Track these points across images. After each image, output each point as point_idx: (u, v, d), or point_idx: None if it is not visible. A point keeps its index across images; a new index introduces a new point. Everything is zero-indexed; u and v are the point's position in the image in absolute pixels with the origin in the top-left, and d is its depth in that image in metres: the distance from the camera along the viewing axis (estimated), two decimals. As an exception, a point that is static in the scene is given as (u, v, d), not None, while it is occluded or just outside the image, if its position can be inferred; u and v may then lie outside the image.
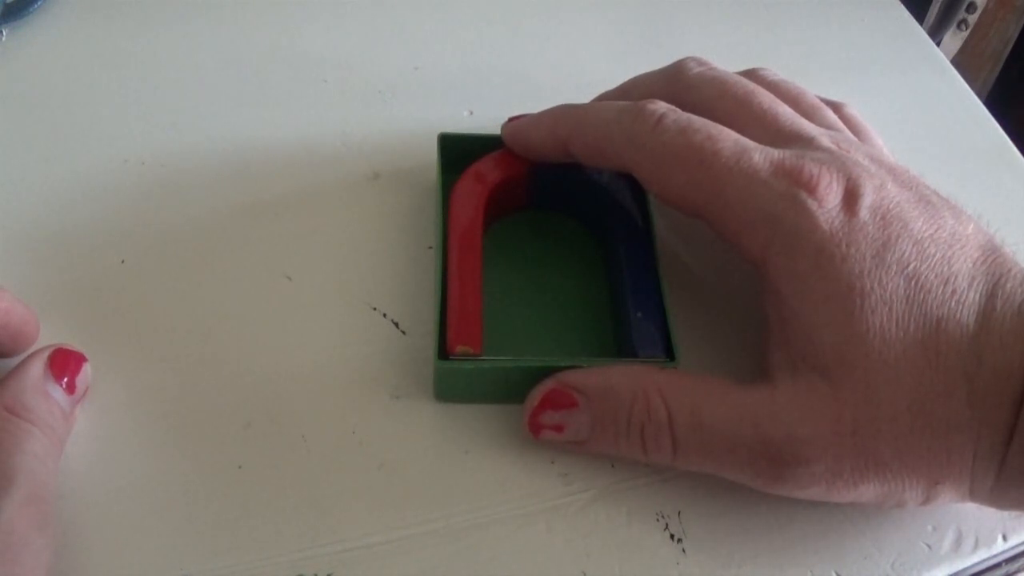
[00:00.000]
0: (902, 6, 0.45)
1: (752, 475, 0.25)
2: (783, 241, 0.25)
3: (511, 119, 0.31)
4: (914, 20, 0.45)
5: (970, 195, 0.27)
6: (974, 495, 0.24)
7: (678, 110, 0.27)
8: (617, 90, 0.33)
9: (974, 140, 0.39)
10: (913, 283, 0.24)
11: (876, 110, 0.32)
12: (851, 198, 0.25)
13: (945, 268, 0.24)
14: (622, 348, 0.29)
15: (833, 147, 0.27)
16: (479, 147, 0.31)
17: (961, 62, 0.63)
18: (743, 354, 0.30)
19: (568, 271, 0.32)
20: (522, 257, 0.32)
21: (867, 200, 0.25)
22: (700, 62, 0.31)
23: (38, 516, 0.22)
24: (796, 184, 0.25)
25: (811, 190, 0.25)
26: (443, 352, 0.27)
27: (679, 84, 0.30)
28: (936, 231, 0.25)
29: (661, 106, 0.27)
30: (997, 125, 0.40)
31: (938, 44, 0.53)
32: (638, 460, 0.27)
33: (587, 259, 0.32)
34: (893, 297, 0.24)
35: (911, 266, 0.24)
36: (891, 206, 0.25)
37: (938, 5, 0.58)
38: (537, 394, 0.26)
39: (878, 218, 0.25)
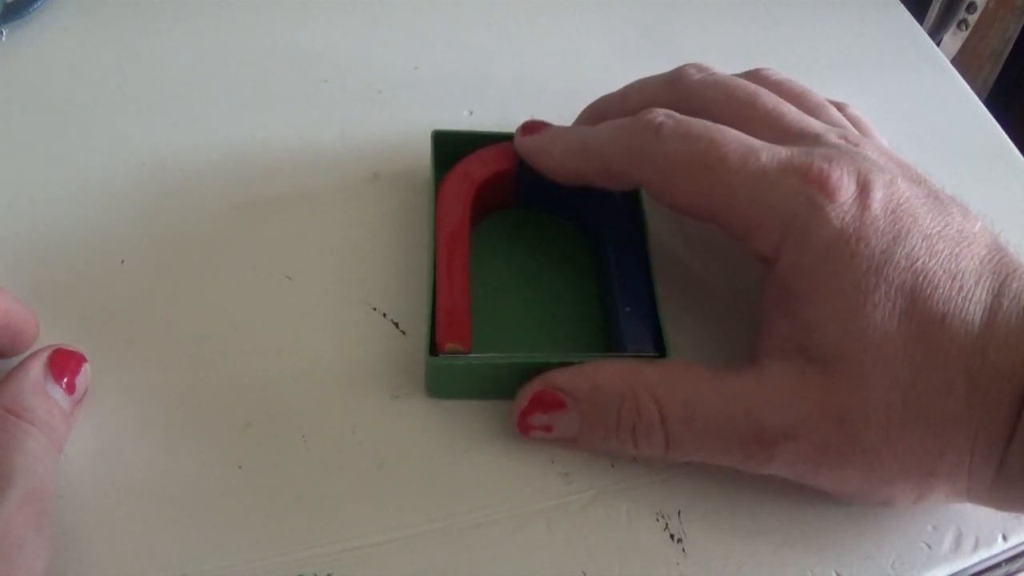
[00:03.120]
0: (902, 6, 0.45)
1: (743, 459, 0.25)
2: (795, 238, 0.25)
3: (525, 125, 0.31)
4: (914, 20, 0.45)
5: (970, 195, 0.27)
6: (971, 494, 0.24)
7: (675, 115, 0.27)
8: (617, 94, 0.32)
9: (974, 140, 0.39)
10: (921, 278, 0.24)
11: (876, 110, 0.32)
12: (863, 193, 0.25)
13: (953, 264, 0.24)
14: (612, 343, 0.29)
15: (841, 143, 0.27)
16: (473, 144, 0.31)
17: (961, 62, 0.63)
18: (733, 347, 0.30)
19: (558, 267, 0.32)
20: (511, 254, 0.32)
21: (878, 195, 0.25)
22: (700, 68, 0.31)
23: (35, 516, 0.22)
24: (806, 181, 0.25)
25: (822, 186, 0.25)
26: (434, 349, 0.27)
27: (681, 92, 0.30)
28: (945, 227, 0.25)
29: (659, 114, 0.27)
30: (997, 125, 0.40)
31: (938, 44, 0.53)
32: (630, 455, 0.27)
33: (576, 255, 0.32)
34: (898, 292, 0.24)
35: (920, 261, 0.24)
36: (901, 201, 0.25)
37: (938, 5, 0.58)
38: (525, 395, 0.27)
39: (889, 212, 0.25)
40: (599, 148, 0.28)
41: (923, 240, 0.24)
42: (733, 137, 0.26)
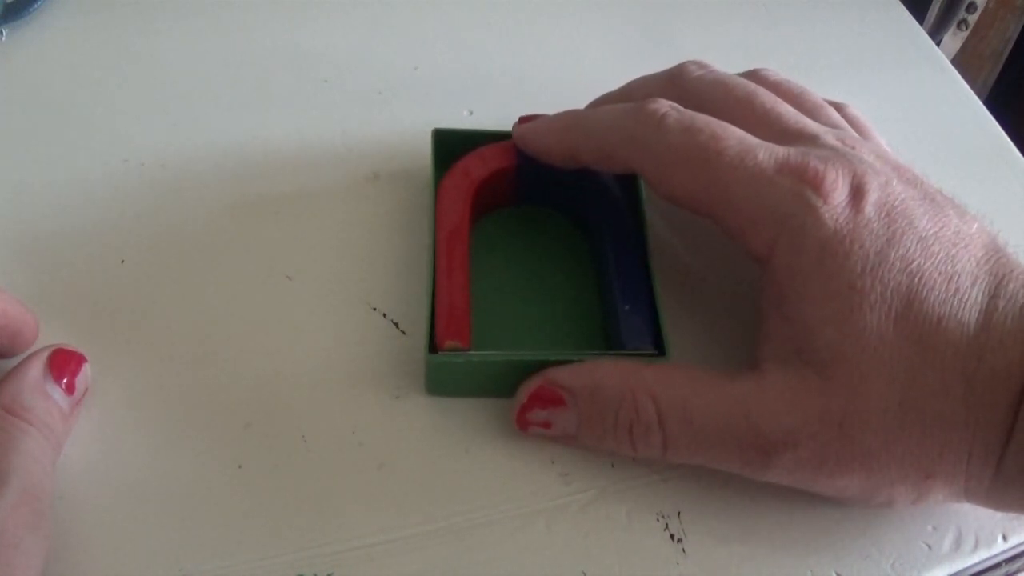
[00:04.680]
0: (902, 6, 0.45)
1: (741, 464, 0.25)
2: (788, 238, 0.25)
3: (522, 119, 0.31)
4: (914, 20, 0.45)
5: (970, 195, 0.27)
6: (970, 495, 0.24)
7: (680, 107, 0.27)
8: (618, 93, 0.33)
9: (974, 140, 0.39)
10: (916, 280, 0.24)
11: (876, 110, 0.32)
12: (857, 195, 0.25)
13: (949, 266, 0.24)
14: (611, 341, 0.29)
15: (838, 144, 0.27)
16: (473, 143, 0.31)
17: (961, 62, 0.63)
18: (733, 346, 0.30)
19: (557, 265, 0.32)
20: (511, 252, 0.32)
21: (872, 197, 0.25)
22: (701, 65, 0.31)
23: (31, 516, 0.22)
24: (801, 181, 0.25)
25: (816, 187, 0.25)
26: (433, 347, 0.27)
27: (680, 88, 0.30)
28: (941, 229, 0.25)
29: (663, 104, 0.27)
30: (997, 125, 0.40)
31: (938, 44, 0.53)
32: (627, 455, 0.27)
33: (576, 253, 0.32)
34: (894, 295, 0.24)
35: (915, 263, 0.24)
36: (896, 203, 0.25)
37: (938, 5, 0.58)
38: (525, 391, 0.27)
39: (883, 215, 0.25)
40: (599, 130, 0.28)
41: (918, 242, 0.24)
42: (733, 133, 0.26)
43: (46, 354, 0.26)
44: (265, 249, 0.31)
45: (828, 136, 0.27)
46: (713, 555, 0.26)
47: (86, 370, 0.27)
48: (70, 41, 0.37)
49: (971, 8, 0.60)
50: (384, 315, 0.30)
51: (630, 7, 0.43)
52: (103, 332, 0.29)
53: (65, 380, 0.26)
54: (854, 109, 0.31)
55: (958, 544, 0.27)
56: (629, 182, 0.32)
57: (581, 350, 0.29)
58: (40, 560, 0.22)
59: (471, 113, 0.37)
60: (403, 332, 0.30)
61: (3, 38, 0.37)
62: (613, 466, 0.27)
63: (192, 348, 0.29)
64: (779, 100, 0.29)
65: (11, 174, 0.32)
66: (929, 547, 0.27)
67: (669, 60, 0.32)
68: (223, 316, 0.29)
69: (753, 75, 0.31)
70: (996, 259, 0.25)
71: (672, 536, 0.26)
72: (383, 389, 0.28)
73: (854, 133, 0.29)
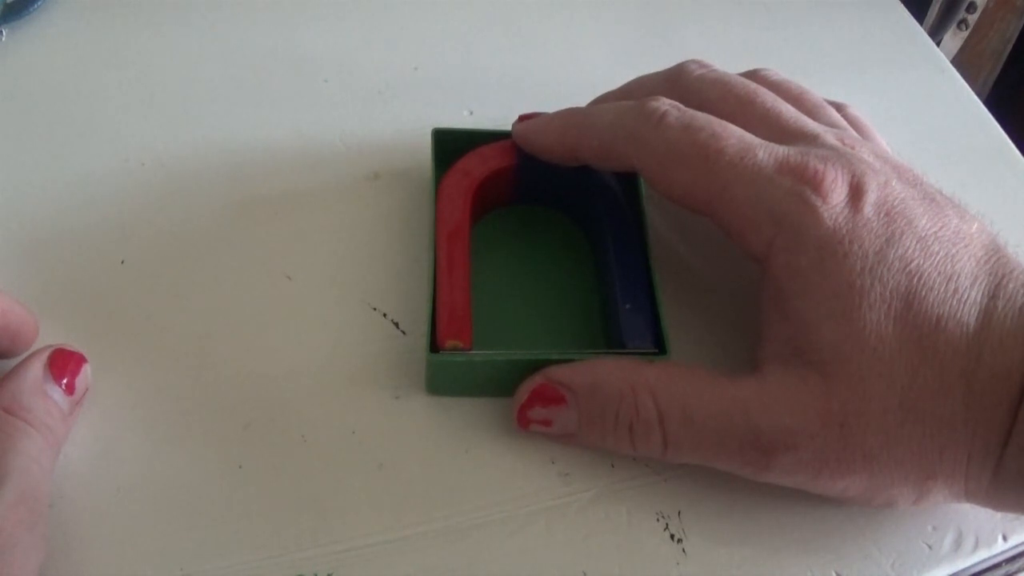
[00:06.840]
0: (902, 6, 0.45)
1: (741, 464, 0.25)
2: (787, 238, 0.25)
3: (521, 117, 0.31)
4: (914, 20, 0.45)
5: (970, 195, 0.27)
6: (970, 496, 0.24)
7: (681, 106, 0.27)
8: (618, 92, 0.33)
9: (974, 140, 0.39)
10: (915, 280, 0.24)
11: (876, 110, 0.32)
12: (856, 195, 0.25)
13: (948, 266, 0.24)
14: (611, 340, 0.29)
15: (837, 144, 0.27)
16: (473, 142, 0.31)
17: (961, 62, 0.63)
18: (733, 345, 0.30)
19: (558, 265, 0.32)
20: (511, 252, 0.32)
21: (871, 196, 0.25)
22: (701, 64, 0.31)
23: (29, 516, 0.22)
24: (801, 181, 0.25)
25: (815, 187, 0.25)
26: (434, 346, 0.27)
27: (681, 87, 0.30)
28: (940, 229, 0.25)
29: (663, 103, 0.27)
30: (997, 125, 0.40)
31: (938, 44, 0.53)
32: (627, 454, 0.27)
33: (576, 252, 0.32)
34: (893, 294, 0.24)
35: (914, 263, 0.24)
36: (896, 203, 0.25)
37: (938, 5, 0.58)
38: (525, 389, 0.27)
39: (882, 215, 0.25)
40: (599, 127, 0.28)
41: (917, 242, 0.24)
42: (733, 132, 0.26)
43: (46, 354, 0.26)
44: (265, 249, 0.31)
45: (828, 136, 0.27)
46: (713, 555, 0.26)
47: (86, 370, 0.27)
48: (70, 41, 0.37)
49: (971, 8, 0.60)
50: (384, 315, 0.30)
51: (630, 7, 0.43)
52: (103, 332, 0.29)
53: (65, 380, 0.26)
54: (854, 109, 0.31)
55: (958, 544, 0.27)
56: (629, 181, 0.32)
57: (582, 349, 0.29)
58: (37, 560, 0.22)
59: (471, 113, 0.37)
60: (403, 332, 0.30)
61: (3, 38, 0.37)
62: (613, 466, 0.27)
63: (192, 348, 0.29)
64: (779, 100, 0.29)
65: (11, 174, 0.32)
66: (929, 547, 0.27)
67: (669, 60, 0.32)
68: (223, 316, 0.29)
69: (753, 75, 0.31)
70: (996, 259, 0.25)
71: (672, 536, 0.26)
72: (383, 389, 0.28)
73: (854, 133, 0.29)
